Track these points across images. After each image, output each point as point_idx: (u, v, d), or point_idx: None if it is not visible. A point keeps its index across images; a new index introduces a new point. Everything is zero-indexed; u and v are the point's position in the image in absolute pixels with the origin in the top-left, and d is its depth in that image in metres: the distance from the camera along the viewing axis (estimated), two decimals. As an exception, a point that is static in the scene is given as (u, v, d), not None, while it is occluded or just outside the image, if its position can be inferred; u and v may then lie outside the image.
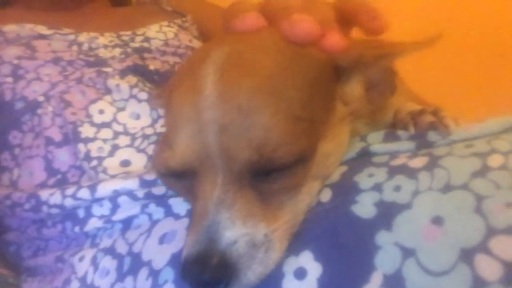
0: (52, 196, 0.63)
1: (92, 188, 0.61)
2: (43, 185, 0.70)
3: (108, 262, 0.57)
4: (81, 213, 0.63)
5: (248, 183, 0.44)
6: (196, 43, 0.99)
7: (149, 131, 0.71)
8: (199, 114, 0.44)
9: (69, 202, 0.62)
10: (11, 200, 0.68)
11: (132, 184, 0.59)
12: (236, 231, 0.42)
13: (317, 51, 0.49)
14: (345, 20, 0.53)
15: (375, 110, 0.54)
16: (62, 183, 0.69)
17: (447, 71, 1.34)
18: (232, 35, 0.51)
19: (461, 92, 1.26)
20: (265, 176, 0.44)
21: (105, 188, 0.60)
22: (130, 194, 0.60)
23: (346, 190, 0.45)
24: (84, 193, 0.61)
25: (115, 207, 0.61)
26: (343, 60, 0.50)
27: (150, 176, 0.59)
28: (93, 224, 0.62)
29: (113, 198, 0.60)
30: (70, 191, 0.62)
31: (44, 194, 0.64)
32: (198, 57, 0.50)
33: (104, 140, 0.70)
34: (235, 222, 0.42)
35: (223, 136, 0.43)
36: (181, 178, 0.48)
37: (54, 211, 0.64)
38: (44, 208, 0.64)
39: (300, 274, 0.42)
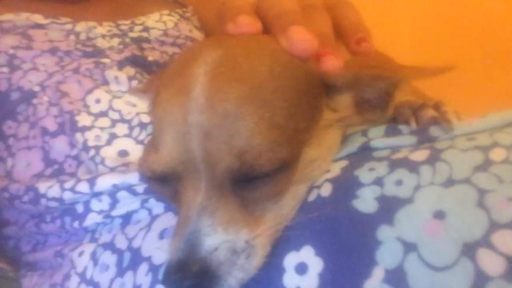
0: (50, 189, 0.63)
1: (91, 181, 0.60)
2: (39, 176, 0.70)
3: (107, 257, 0.57)
4: (80, 208, 0.63)
5: (230, 190, 0.44)
6: (197, 34, 0.98)
7: (145, 118, 0.71)
8: (186, 117, 0.44)
9: (68, 196, 0.62)
10: (9, 192, 0.68)
11: (131, 178, 0.59)
12: (217, 238, 0.42)
13: (312, 64, 0.48)
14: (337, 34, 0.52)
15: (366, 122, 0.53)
16: (58, 174, 0.69)
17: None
18: (229, 36, 0.50)
19: (461, 89, 1.26)
20: (247, 183, 0.44)
21: (104, 182, 0.60)
22: (130, 189, 0.59)
23: (346, 184, 0.44)
24: (83, 187, 0.61)
25: (114, 202, 0.61)
26: (338, 80, 0.49)
27: None
28: (93, 219, 0.62)
29: (113, 193, 0.60)
30: (69, 184, 0.62)
31: (42, 187, 0.64)
32: (190, 56, 0.49)
33: (101, 128, 0.69)
34: (217, 229, 0.43)
35: (207, 141, 0.43)
36: (166, 183, 0.48)
37: (53, 204, 0.63)
38: (43, 201, 0.64)
39: (301, 269, 0.42)
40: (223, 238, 0.43)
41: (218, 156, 0.43)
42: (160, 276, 0.43)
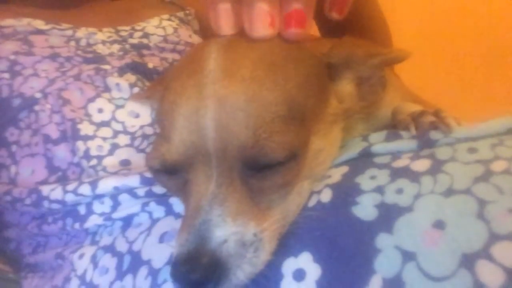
0: (53, 191, 0.63)
1: (93, 184, 0.60)
2: (43, 183, 0.69)
3: (107, 260, 0.57)
4: (82, 209, 0.63)
5: (239, 178, 0.44)
6: (196, 39, 0.98)
7: (149, 130, 0.71)
8: (201, 91, 0.44)
9: (70, 198, 0.61)
10: (11, 195, 0.68)
11: (133, 181, 0.59)
12: (227, 229, 0.42)
13: (311, 47, 0.50)
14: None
15: (369, 106, 0.55)
16: (62, 181, 0.69)
17: (447, 71, 1.34)
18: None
19: (461, 92, 1.26)
20: (256, 172, 0.44)
21: (106, 185, 0.60)
22: (131, 191, 0.59)
23: (347, 191, 0.44)
24: (85, 189, 0.61)
25: (115, 205, 0.60)
26: (334, 57, 0.51)
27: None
28: (94, 221, 0.61)
29: (114, 195, 0.60)
30: (71, 186, 0.62)
31: (45, 189, 0.64)
32: (198, 49, 0.51)
33: (104, 139, 0.69)
34: (226, 220, 0.42)
35: (220, 122, 0.43)
36: (175, 174, 0.48)
37: (55, 206, 0.63)
38: (45, 203, 0.64)
39: (299, 275, 0.42)
40: (232, 229, 0.42)
41: (231, 136, 0.43)
42: (171, 267, 0.42)
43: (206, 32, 1.05)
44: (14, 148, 0.74)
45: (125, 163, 0.67)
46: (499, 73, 1.32)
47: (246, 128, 0.43)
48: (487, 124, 0.44)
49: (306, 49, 0.50)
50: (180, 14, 1.02)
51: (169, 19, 0.98)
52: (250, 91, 0.43)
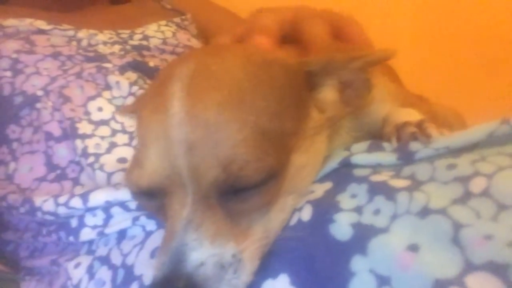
0: (45, 203, 0.63)
1: (84, 197, 0.60)
2: (41, 180, 0.70)
3: (104, 273, 0.57)
4: (74, 222, 0.63)
5: (217, 203, 0.43)
6: (195, 42, 0.99)
7: None
8: (167, 133, 0.43)
9: (62, 210, 0.62)
10: (7, 202, 0.69)
11: (124, 195, 0.59)
12: (204, 252, 0.41)
13: (287, 57, 0.48)
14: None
15: (355, 112, 0.53)
16: (61, 179, 0.69)
17: (446, 70, 1.31)
18: (201, 49, 0.50)
19: (460, 91, 1.23)
20: (234, 195, 0.43)
21: (96, 198, 0.60)
22: (123, 205, 0.59)
23: (326, 208, 0.43)
24: (76, 202, 0.61)
25: (108, 217, 0.60)
26: (313, 64, 0.49)
27: None
28: (87, 235, 0.61)
29: (106, 208, 0.60)
30: (62, 199, 0.62)
31: (38, 200, 0.64)
32: (165, 74, 0.49)
33: (102, 137, 0.69)
34: (203, 243, 0.42)
35: (191, 154, 0.42)
36: (153, 197, 0.47)
37: (48, 217, 0.64)
38: (39, 214, 0.64)
39: None
40: (209, 252, 0.42)
41: (204, 169, 0.42)
42: None
43: (204, 36, 1.05)
44: (15, 145, 0.75)
45: (123, 161, 0.67)
46: (499, 73, 1.28)
47: (217, 167, 0.41)
48: (467, 132, 0.42)
49: (278, 63, 0.48)
50: (177, 19, 1.03)
51: (166, 25, 0.98)
52: (217, 137, 0.42)
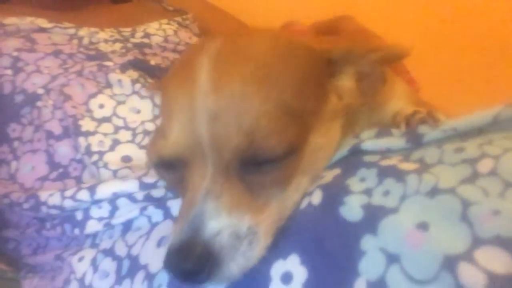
0: (51, 197, 0.63)
1: (92, 189, 0.61)
2: (44, 179, 0.70)
3: (108, 264, 0.57)
4: (79, 215, 0.63)
5: (236, 175, 0.44)
6: (196, 41, 0.99)
7: (150, 126, 0.71)
8: (192, 104, 0.45)
9: (68, 203, 0.62)
10: (10, 199, 0.69)
11: (131, 186, 0.59)
12: (221, 222, 0.42)
13: (311, 43, 0.50)
14: None
15: (368, 102, 0.55)
16: (64, 177, 0.69)
17: (447, 70, 1.33)
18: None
19: (461, 91, 1.24)
20: (254, 168, 0.44)
21: (104, 190, 0.60)
22: (130, 196, 0.60)
23: (336, 191, 0.44)
24: (83, 195, 0.61)
25: (114, 209, 0.61)
26: (334, 52, 0.51)
27: (150, 179, 0.59)
28: (93, 227, 0.62)
29: (112, 200, 0.60)
30: (69, 192, 0.62)
31: (43, 195, 0.64)
32: (193, 49, 0.51)
33: (105, 134, 0.70)
34: (221, 213, 0.43)
35: (214, 124, 0.43)
36: (173, 169, 0.48)
37: (53, 211, 0.64)
38: (43, 208, 0.64)
39: (287, 278, 0.42)
40: (226, 222, 0.43)
41: (226, 138, 0.43)
42: (164, 257, 0.43)
43: (206, 35, 1.07)
44: (16, 144, 0.75)
45: (127, 160, 0.68)
46: (500, 69, 1.30)
47: (239, 135, 0.43)
48: (474, 115, 0.44)
49: (303, 47, 0.50)
50: (178, 18, 1.04)
51: (168, 23, 1.00)
52: (241, 108, 0.43)
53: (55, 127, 0.72)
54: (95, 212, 0.62)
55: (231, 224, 0.43)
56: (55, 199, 0.63)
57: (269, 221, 0.44)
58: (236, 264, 0.42)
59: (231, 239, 0.42)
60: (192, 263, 0.41)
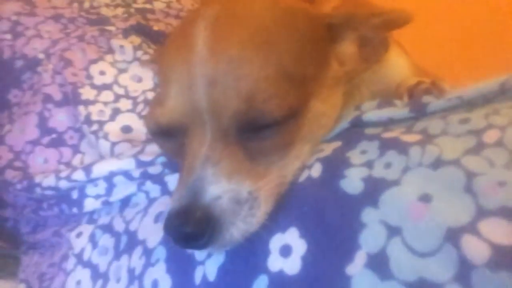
0: (46, 179, 0.63)
1: (87, 169, 0.60)
2: (35, 143, 0.69)
3: (107, 240, 0.57)
4: (74, 194, 0.62)
5: (236, 141, 0.44)
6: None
7: (151, 95, 0.70)
8: (189, 70, 0.44)
9: (63, 184, 0.62)
10: (3, 177, 0.68)
11: (128, 164, 0.59)
12: (221, 187, 0.42)
13: (311, 7, 0.49)
14: None
15: (370, 67, 0.54)
16: (58, 144, 0.69)
17: (448, 38, 1.31)
18: None
19: (463, 59, 1.23)
20: (254, 134, 0.44)
21: (100, 169, 0.60)
22: (126, 173, 0.59)
23: (336, 164, 0.43)
24: (79, 175, 0.60)
25: (110, 187, 0.60)
26: (335, 17, 0.49)
27: (146, 157, 0.58)
28: (92, 205, 0.61)
29: (109, 178, 0.60)
30: (64, 173, 0.61)
31: (37, 177, 0.64)
32: (190, 16, 0.50)
33: (105, 103, 0.69)
34: (220, 178, 0.42)
35: (212, 89, 0.42)
36: (171, 137, 0.47)
37: (48, 192, 0.64)
38: (37, 190, 0.64)
39: (285, 251, 0.41)
40: (226, 187, 0.42)
41: (224, 102, 0.42)
42: (164, 222, 0.43)
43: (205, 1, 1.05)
44: (15, 109, 0.74)
45: (127, 130, 0.67)
46: (501, 40, 1.28)
47: (238, 99, 0.42)
48: (480, 84, 0.42)
49: (303, 11, 0.49)
50: None
51: None
52: (240, 72, 0.42)
53: (55, 92, 0.72)
54: (90, 190, 0.61)
55: (231, 189, 0.42)
56: (49, 181, 0.62)
57: (269, 186, 0.44)
58: (236, 229, 0.42)
59: (231, 204, 0.41)
60: (192, 227, 0.40)
